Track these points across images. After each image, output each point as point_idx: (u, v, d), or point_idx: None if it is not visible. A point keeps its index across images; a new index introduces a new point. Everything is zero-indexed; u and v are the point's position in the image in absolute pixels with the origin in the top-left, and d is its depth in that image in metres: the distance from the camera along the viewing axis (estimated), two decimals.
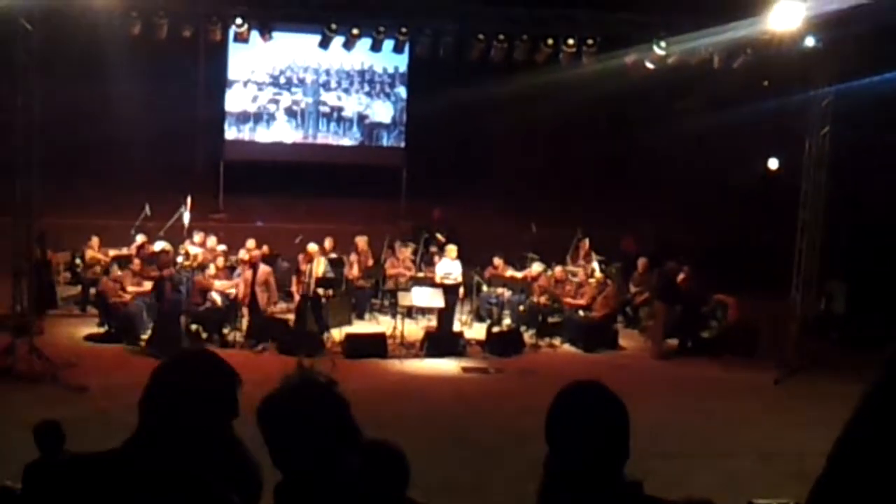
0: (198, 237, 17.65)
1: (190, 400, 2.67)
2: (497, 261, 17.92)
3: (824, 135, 15.48)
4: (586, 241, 18.86)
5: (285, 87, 22.31)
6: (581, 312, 16.84)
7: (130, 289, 15.61)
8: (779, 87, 17.55)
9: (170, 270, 16.20)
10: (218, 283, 16.00)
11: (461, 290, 17.20)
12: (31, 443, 6.74)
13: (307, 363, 2.78)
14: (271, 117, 22.31)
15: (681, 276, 16.75)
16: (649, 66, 16.43)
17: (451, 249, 17.45)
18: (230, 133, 22.14)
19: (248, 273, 15.86)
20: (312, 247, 16.36)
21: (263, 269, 15.95)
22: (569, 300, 16.99)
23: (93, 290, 16.48)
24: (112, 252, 17.05)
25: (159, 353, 13.97)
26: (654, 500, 2.80)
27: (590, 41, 15.82)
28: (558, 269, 17.64)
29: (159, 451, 2.60)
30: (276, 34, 16.20)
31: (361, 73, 22.66)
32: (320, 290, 15.98)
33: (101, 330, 15.43)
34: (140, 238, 17.32)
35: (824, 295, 18.02)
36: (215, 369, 2.77)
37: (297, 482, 2.63)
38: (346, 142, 22.96)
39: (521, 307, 17.20)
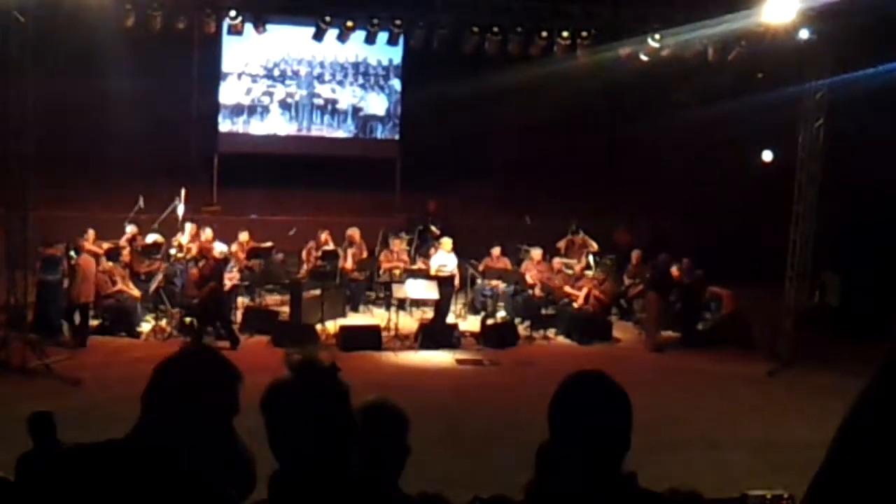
0: (190, 229, 17.51)
1: (192, 397, 2.67)
2: (495, 250, 17.88)
3: (818, 127, 15.50)
4: (581, 234, 18.85)
5: (279, 79, 22.25)
6: (575, 304, 16.85)
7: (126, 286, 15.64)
8: (773, 79, 17.56)
9: (158, 265, 16.21)
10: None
11: (456, 283, 17.22)
12: (26, 435, 6.75)
13: (309, 351, 2.78)
14: (265, 110, 22.25)
15: (677, 269, 16.77)
16: (643, 58, 16.43)
17: (446, 242, 17.47)
18: (224, 126, 22.07)
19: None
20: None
21: (85, 259, 15.12)
22: (568, 289, 17.00)
23: None
24: (105, 245, 17.00)
25: (40, 336, 14.05)
26: (646, 491, 2.81)
27: (584, 34, 15.84)
28: (555, 260, 17.67)
29: (159, 445, 2.60)
30: (269, 26, 16.18)
31: (355, 65, 22.60)
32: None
33: (95, 322, 15.40)
34: (130, 229, 17.26)
35: (818, 287, 18.06)
36: (218, 367, 2.78)
37: (293, 473, 2.63)
38: (341, 134, 22.92)
39: (515, 296, 17.23)
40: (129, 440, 2.65)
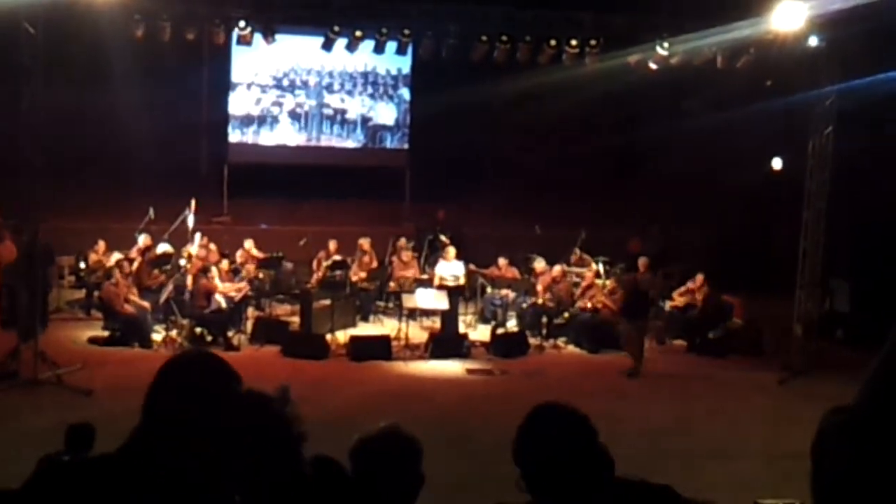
0: (199, 240, 17.48)
1: (192, 400, 2.65)
2: (501, 261, 17.89)
3: (828, 134, 15.46)
4: (577, 250, 18.79)
5: (288, 89, 22.33)
6: (588, 314, 16.78)
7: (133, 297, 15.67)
8: (782, 86, 17.53)
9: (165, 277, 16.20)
10: (222, 286, 15.98)
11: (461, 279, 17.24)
12: (36, 446, 6.73)
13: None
14: (275, 120, 22.33)
15: (694, 284, 16.78)
16: (652, 66, 16.42)
17: (451, 251, 17.47)
18: (234, 136, 22.16)
19: None
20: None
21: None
22: (581, 304, 16.95)
23: (96, 294, 16.49)
24: (115, 256, 17.00)
25: None
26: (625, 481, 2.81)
27: (593, 42, 15.82)
28: (556, 268, 17.55)
29: (161, 450, 2.58)
30: (279, 37, 16.21)
31: (364, 74, 22.67)
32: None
33: (106, 333, 15.43)
34: (143, 239, 17.27)
35: (828, 294, 17.99)
36: (217, 370, 2.76)
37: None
38: (350, 144, 22.98)
39: (525, 305, 17.20)
40: (130, 448, 2.61)
